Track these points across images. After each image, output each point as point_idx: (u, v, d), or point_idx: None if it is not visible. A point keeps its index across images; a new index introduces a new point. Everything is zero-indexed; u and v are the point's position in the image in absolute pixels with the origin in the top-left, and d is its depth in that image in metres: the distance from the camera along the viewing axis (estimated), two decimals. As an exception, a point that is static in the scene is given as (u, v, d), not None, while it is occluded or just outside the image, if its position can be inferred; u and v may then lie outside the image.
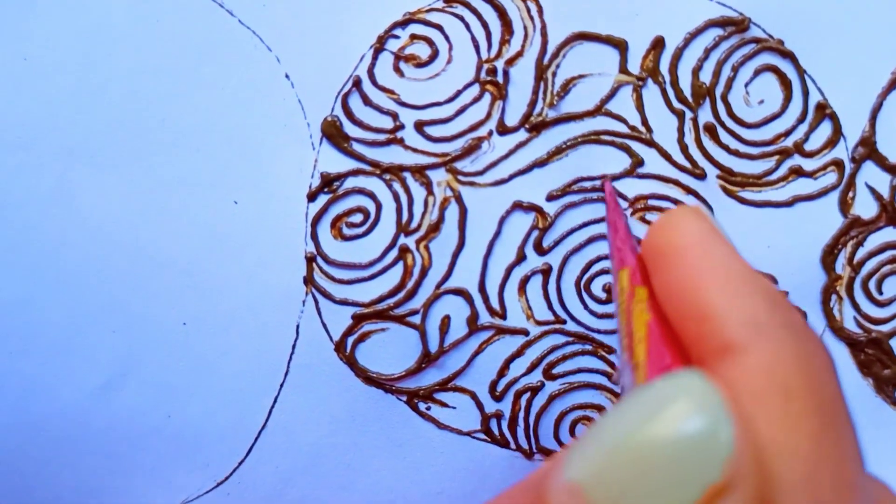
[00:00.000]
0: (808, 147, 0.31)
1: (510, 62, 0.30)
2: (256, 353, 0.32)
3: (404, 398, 0.33)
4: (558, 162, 0.31)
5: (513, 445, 0.33)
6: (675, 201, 0.32)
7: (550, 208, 0.31)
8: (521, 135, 0.31)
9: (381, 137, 0.31)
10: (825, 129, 0.31)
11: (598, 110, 0.31)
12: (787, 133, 0.31)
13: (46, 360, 0.32)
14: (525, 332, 0.32)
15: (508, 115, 0.31)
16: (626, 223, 0.27)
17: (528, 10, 0.30)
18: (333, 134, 0.31)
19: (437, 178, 0.31)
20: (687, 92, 0.31)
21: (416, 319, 0.32)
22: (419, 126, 0.31)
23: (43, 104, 0.30)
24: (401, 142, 0.31)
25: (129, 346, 0.32)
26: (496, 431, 0.33)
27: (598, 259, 0.32)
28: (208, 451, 0.33)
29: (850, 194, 0.32)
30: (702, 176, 0.31)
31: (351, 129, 0.31)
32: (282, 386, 0.33)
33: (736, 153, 0.31)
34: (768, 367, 0.16)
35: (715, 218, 0.19)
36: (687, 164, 0.31)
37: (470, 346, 0.32)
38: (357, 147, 0.31)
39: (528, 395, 0.33)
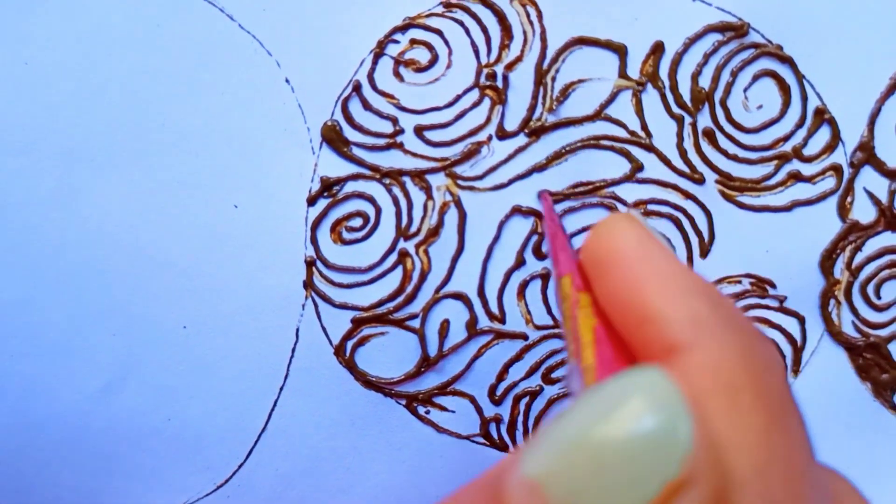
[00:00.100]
0: (807, 152, 0.31)
1: (510, 67, 0.30)
2: (256, 356, 0.32)
3: (403, 402, 0.33)
4: (558, 167, 0.31)
5: (512, 449, 0.33)
6: (675, 206, 0.32)
7: (550, 213, 0.31)
8: (521, 139, 0.31)
9: (381, 142, 0.31)
10: (824, 134, 0.31)
11: (598, 115, 0.31)
12: (786, 138, 0.31)
13: (47, 362, 0.32)
14: (524, 337, 0.32)
15: (508, 120, 0.31)
16: (563, 231, 0.27)
17: (528, 15, 0.30)
18: (333, 138, 0.31)
19: (436, 183, 0.31)
20: (686, 97, 0.31)
21: (416, 323, 0.32)
22: (419, 131, 0.31)
23: (44, 107, 0.30)
24: (400, 146, 0.31)
25: (129, 349, 0.32)
26: (495, 435, 0.33)
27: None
28: (208, 454, 0.33)
29: (849, 199, 0.32)
30: (701, 181, 0.31)
31: (351, 134, 0.31)
32: (281, 389, 0.33)
33: (735, 158, 0.31)
34: (713, 364, 0.16)
35: (648, 223, 0.19)
36: (686, 169, 0.31)
37: (469, 350, 0.32)
38: (357, 151, 0.31)
39: (527, 399, 0.33)
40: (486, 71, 0.30)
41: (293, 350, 0.32)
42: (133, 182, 0.31)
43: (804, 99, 0.31)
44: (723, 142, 0.31)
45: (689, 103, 0.31)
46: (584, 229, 0.32)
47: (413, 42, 0.30)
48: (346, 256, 0.32)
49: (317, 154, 0.31)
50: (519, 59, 0.30)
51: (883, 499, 0.33)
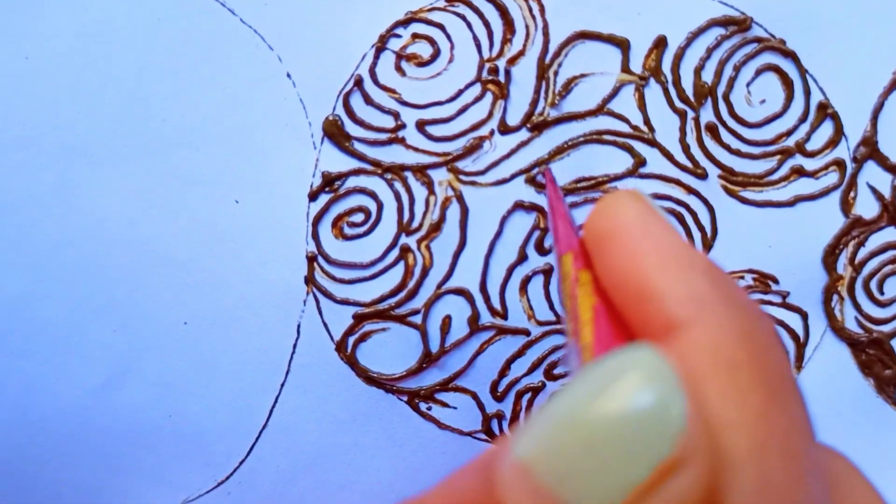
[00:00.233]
0: (810, 147, 0.31)
1: (512, 61, 0.30)
2: (257, 352, 0.32)
3: (405, 398, 0.33)
4: (560, 161, 0.31)
5: (514, 445, 0.33)
6: (678, 201, 0.31)
7: (552, 208, 0.31)
8: (523, 134, 0.31)
9: (383, 137, 0.31)
10: (827, 129, 0.31)
11: (600, 110, 0.31)
12: (789, 133, 0.31)
13: (47, 358, 0.32)
14: (526, 333, 0.32)
15: (510, 115, 0.31)
16: (566, 209, 0.27)
17: (530, 9, 0.30)
18: (335, 133, 0.31)
19: (438, 178, 0.31)
20: (689, 91, 0.31)
21: (418, 319, 0.32)
22: (421, 125, 0.31)
23: (44, 103, 0.30)
24: (402, 141, 0.31)
25: (129, 345, 0.32)
26: (497, 432, 0.33)
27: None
28: (209, 451, 0.33)
29: (852, 194, 0.32)
30: (703, 176, 0.31)
31: (352, 129, 0.31)
32: (283, 385, 0.32)
33: (737, 153, 0.31)
34: (712, 341, 0.16)
35: (651, 199, 0.19)
36: (689, 164, 0.31)
37: (471, 346, 0.32)
38: (358, 146, 0.31)
39: (529, 395, 0.33)
40: (488, 65, 0.30)
41: (294, 346, 0.32)
42: (134, 177, 0.31)
43: (807, 94, 0.31)
44: (726, 136, 0.31)
45: (691, 98, 0.31)
46: (586, 224, 0.32)
47: (415, 36, 0.30)
48: (347, 252, 0.32)
49: (318, 149, 0.31)
50: (521, 53, 0.30)
51: (886, 494, 0.33)
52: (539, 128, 0.31)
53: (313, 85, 0.30)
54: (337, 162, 0.31)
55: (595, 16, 0.30)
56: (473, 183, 0.31)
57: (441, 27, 0.30)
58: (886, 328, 0.33)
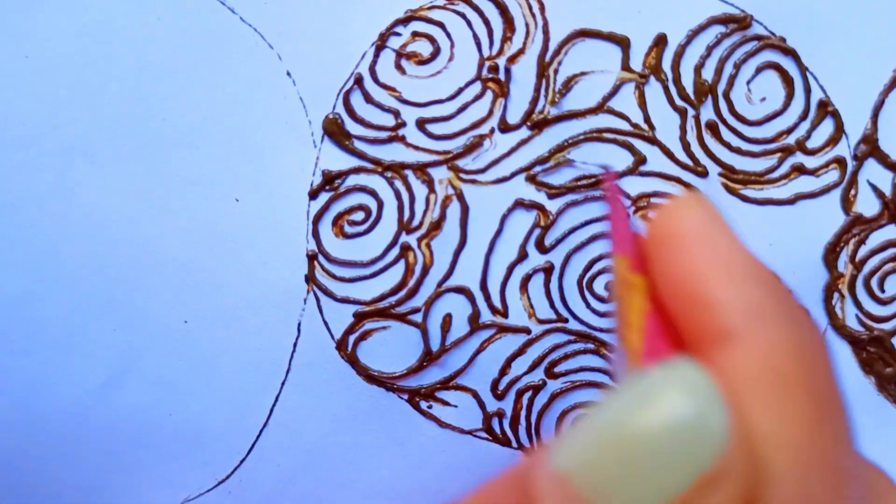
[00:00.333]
0: (810, 145, 0.31)
1: (512, 59, 0.30)
2: (257, 351, 0.32)
3: (406, 397, 0.33)
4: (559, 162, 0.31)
5: (514, 444, 0.33)
6: (677, 199, 0.31)
7: (552, 206, 0.31)
8: (523, 132, 0.31)
9: (383, 135, 0.31)
10: (827, 127, 0.31)
11: (601, 108, 0.31)
12: (789, 131, 0.31)
13: (47, 357, 0.32)
14: (527, 331, 0.32)
15: (510, 113, 0.31)
16: (625, 211, 0.27)
17: (530, 8, 0.30)
18: (335, 131, 0.31)
19: (438, 176, 0.31)
20: (689, 89, 0.31)
21: (418, 318, 0.32)
22: (421, 123, 0.31)
23: (44, 102, 0.30)
24: (402, 139, 0.31)
25: (129, 344, 0.32)
26: (498, 430, 0.33)
27: (601, 257, 0.32)
28: (209, 450, 0.33)
29: (853, 192, 0.32)
30: (704, 174, 0.31)
31: (352, 127, 0.31)
32: (283, 384, 0.32)
33: (738, 151, 0.31)
34: (764, 354, 0.16)
35: (718, 205, 0.19)
36: (689, 162, 0.31)
37: (471, 344, 0.32)
38: (359, 145, 0.31)
39: (529, 393, 0.33)
40: (488, 63, 0.30)
41: (295, 345, 0.32)
42: (134, 176, 0.31)
43: (807, 91, 0.31)
44: (726, 134, 0.31)
45: (692, 96, 0.31)
46: (587, 222, 0.31)
47: (415, 34, 0.30)
48: (347, 250, 0.32)
49: (318, 147, 0.31)
50: (521, 51, 0.30)
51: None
52: (539, 126, 0.31)
53: (313, 83, 0.30)
54: (337, 160, 0.31)
55: (595, 14, 0.30)
56: (474, 181, 0.31)
57: (441, 25, 0.30)
58: (887, 326, 0.33)
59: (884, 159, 0.31)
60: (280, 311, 0.32)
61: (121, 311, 0.32)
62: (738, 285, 0.17)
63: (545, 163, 0.31)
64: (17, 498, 0.33)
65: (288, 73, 0.30)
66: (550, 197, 0.31)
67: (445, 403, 0.33)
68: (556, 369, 0.33)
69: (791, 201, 0.32)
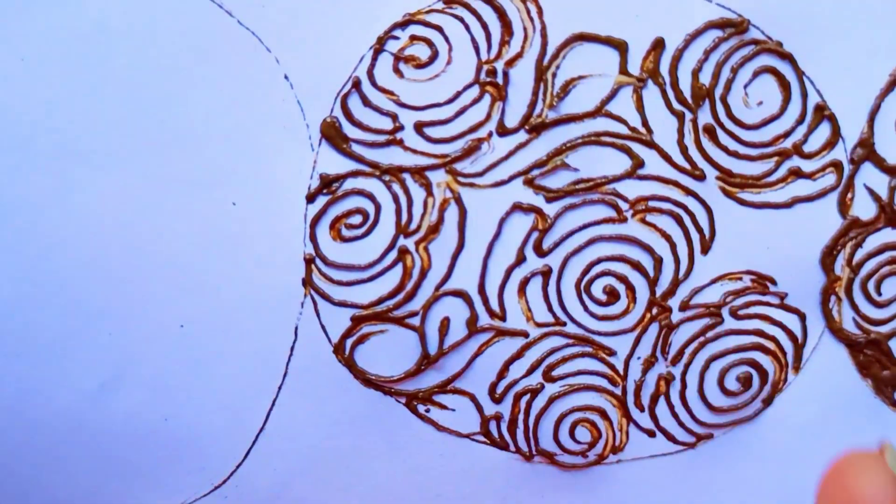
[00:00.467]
0: (807, 148, 0.32)
1: (510, 63, 0.30)
2: (255, 354, 0.32)
3: (403, 400, 0.33)
4: (557, 167, 0.31)
5: (512, 448, 0.33)
6: (676, 202, 0.32)
7: (550, 210, 0.31)
8: (521, 136, 0.31)
9: (381, 138, 0.31)
10: (824, 131, 0.31)
11: (599, 111, 0.31)
12: (786, 134, 0.31)
13: (43, 361, 0.32)
14: (525, 334, 0.32)
15: (508, 117, 0.31)
16: None
17: (528, 12, 0.30)
18: (333, 135, 0.31)
19: (436, 180, 0.31)
20: (687, 93, 0.31)
21: (416, 321, 0.32)
22: (419, 127, 0.31)
23: (40, 104, 0.30)
24: (400, 143, 0.31)
25: (125, 348, 0.32)
26: (495, 433, 0.33)
27: (599, 261, 0.32)
28: (206, 454, 0.33)
29: (849, 195, 0.32)
30: (701, 177, 0.31)
31: (350, 131, 0.31)
32: (280, 388, 0.32)
33: (735, 154, 0.31)
34: None
35: (893, 463, 0.18)
36: (687, 166, 0.31)
37: (469, 347, 0.32)
38: (356, 148, 0.31)
39: (527, 397, 0.33)
40: (486, 67, 0.30)
41: (292, 348, 0.32)
42: (131, 179, 0.31)
43: (804, 95, 0.31)
44: (723, 138, 0.31)
45: (689, 100, 0.31)
46: (584, 226, 0.32)
47: (413, 38, 0.30)
48: (345, 254, 0.32)
49: (316, 151, 0.31)
50: (519, 55, 0.30)
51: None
52: (537, 129, 0.31)
53: (311, 87, 0.30)
54: (335, 164, 0.31)
55: (593, 18, 0.30)
56: (472, 185, 0.31)
57: (439, 29, 0.30)
58: (884, 329, 0.33)
59: (880, 163, 0.32)
60: (277, 314, 0.32)
61: (117, 315, 0.32)
62: None
63: (543, 166, 0.31)
64: (14, 502, 0.33)
65: (286, 77, 0.30)
66: (548, 200, 0.31)
67: (443, 407, 0.33)
68: (554, 373, 0.33)
69: (788, 205, 0.32)
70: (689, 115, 0.31)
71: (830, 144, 0.31)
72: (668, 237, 0.32)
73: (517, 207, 0.31)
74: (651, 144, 0.31)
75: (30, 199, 0.31)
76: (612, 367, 0.33)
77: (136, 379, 0.32)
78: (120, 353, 0.32)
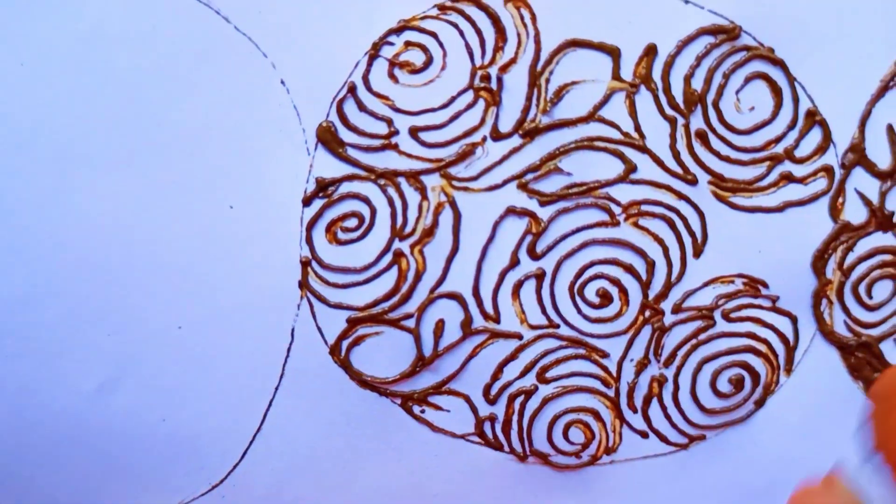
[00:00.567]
0: (799, 153, 0.32)
1: (504, 69, 0.31)
2: (251, 356, 0.32)
3: (399, 401, 0.33)
4: (552, 171, 0.31)
5: (506, 448, 0.34)
6: (668, 206, 0.32)
7: (544, 213, 0.32)
8: (515, 141, 0.31)
9: (376, 143, 0.31)
10: (815, 136, 0.32)
11: (592, 116, 0.31)
12: (778, 139, 0.32)
13: (42, 362, 0.32)
14: (519, 336, 0.33)
15: (502, 122, 0.31)
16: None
17: (522, 18, 0.30)
18: (328, 139, 0.31)
19: (431, 184, 0.31)
20: (679, 99, 0.31)
21: (411, 323, 0.32)
22: (414, 132, 0.31)
23: (40, 109, 0.30)
24: (395, 147, 0.31)
25: (124, 349, 0.32)
26: (490, 434, 0.33)
27: (592, 264, 0.32)
28: (203, 454, 0.33)
29: (840, 200, 0.32)
30: (693, 182, 0.32)
31: (346, 135, 0.31)
32: (277, 389, 0.33)
33: (727, 159, 0.32)
34: None
35: None
36: (679, 170, 0.32)
37: (464, 349, 0.33)
38: (352, 152, 0.31)
39: (521, 398, 0.33)
40: (480, 73, 0.31)
41: (288, 350, 0.32)
42: (129, 183, 0.31)
43: (795, 101, 0.31)
44: (715, 143, 0.31)
45: (682, 105, 0.31)
46: (577, 230, 0.32)
47: (408, 44, 0.30)
48: (341, 256, 0.32)
49: (312, 155, 0.31)
50: (513, 61, 0.31)
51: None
52: (531, 134, 0.31)
53: (307, 92, 0.31)
54: (331, 168, 0.31)
55: (586, 24, 0.30)
56: (466, 188, 0.31)
57: (434, 35, 0.30)
58: (875, 332, 0.33)
59: (871, 168, 0.32)
60: (274, 316, 0.32)
61: (115, 317, 0.32)
62: None
63: (537, 170, 0.31)
64: (12, 502, 0.33)
65: (282, 82, 0.31)
66: (542, 204, 0.32)
67: (438, 408, 0.33)
68: (548, 374, 0.33)
69: (780, 209, 0.32)
70: (681, 121, 0.31)
71: (822, 149, 0.32)
72: (660, 241, 0.32)
73: (511, 211, 0.31)
74: (644, 149, 0.31)
75: (29, 201, 0.31)
76: (605, 368, 0.33)
77: (135, 380, 0.32)
78: (118, 355, 0.32)
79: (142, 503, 0.33)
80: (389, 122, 0.31)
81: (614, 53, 0.30)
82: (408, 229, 0.32)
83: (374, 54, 0.30)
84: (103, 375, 0.32)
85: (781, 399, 0.34)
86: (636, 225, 0.32)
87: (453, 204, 0.31)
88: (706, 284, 0.32)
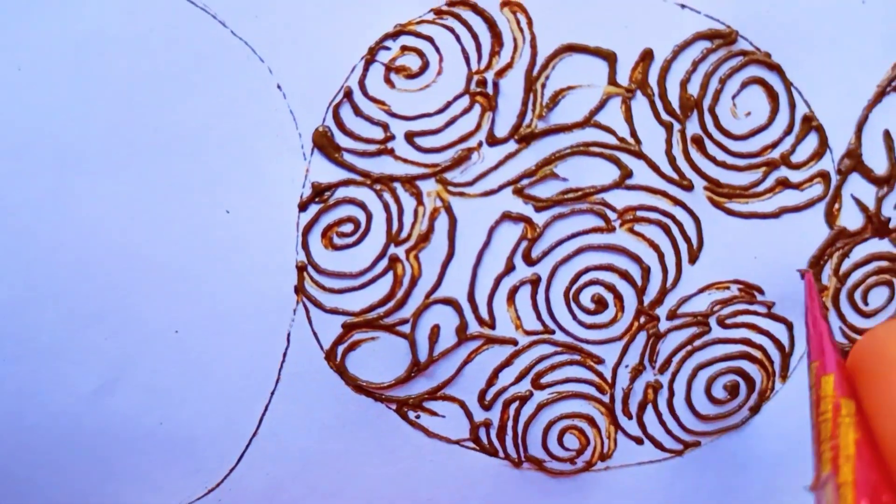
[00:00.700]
0: (795, 159, 0.32)
1: (500, 74, 0.31)
2: (248, 360, 0.32)
3: (394, 407, 0.33)
4: (547, 176, 0.31)
5: (501, 454, 0.34)
6: (664, 212, 0.32)
7: (539, 219, 0.32)
8: (511, 146, 0.31)
9: (372, 148, 0.31)
10: (811, 142, 0.32)
11: (587, 122, 0.31)
12: (774, 145, 0.31)
13: (39, 365, 0.32)
14: (514, 342, 0.33)
15: (498, 126, 0.31)
16: (828, 324, 0.25)
17: (518, 22, 0.30)
18: (324, 144, 0.31)
19: (426, 189, 0.31)
20: (675, 104, 0.31)
21: (406, 329, 0.32)
22: (409, 137, 0.31)
23: (37, 112, 0.30)
24: (391, 152, 0.31)
25: (121, 352, 0.32)
26: (485, 440, 0.33)
27: (587, 270, 0.32)
28: (200, 458, 0.33)
29: (836, 206, 0.32)
30: (689, 187, 0.32)
31: (342, 140, 0.31)
32: (273, 393, 0.33)
33: (723, 165, 0.32)
34: None
35: None
36: (675, 176, 0.31)
37: (459, 355, 0.33)
38: (348, 157, 0.31)
39: (516, 404, 0.33)
40: (476, 77, 0.31)
41: (284, 354, 0.32)
42: (126, 186, 0.31)
43: (792, 106, 0.31)
44: (711, 148, 0.31)
45: (677, 110, 0.31)
46: (572, 235, 0.32)
47: (404, 49, 0.30)
48: (337, 262, 0.32)
49: (308, 160, 0.31)
50: (509, 65, 0.31)
51: None
52: (527, 139, 0.31)
53: (303, 96, 0.31)
54: (326, 172, 0.31)
55: (582, 29, 0.30)
56: (462, 194, 0.31)
57: (430, 40, 0.30)
58: (871, 338, 0.33)
59: (867, 174, 0.32)
60: (270, 321, 0.32)
61: (112, 320, 0.32)
62: None
63: (532, 175, 0.31)
64: (8, 503, 0.33)
65: (278, 86, 0.31)
66: (537, 210, 0.32)
67: (433, 413, 0.33)
68: (543, 380, 0.33)
69: (776, 215, 0.32)
70: (677, 126, 0.31)
71: (818, 155, 0.32)
72: (655, 247, 0.32)
73: (506, 216, 0.31)
74: (639, 155, 0.31)
75: (26, 204, 0.31)
76: (600, 374, 0.33)
77: (132, 383, 0.32)
78: (115, 358, 0.32)
79: (137, 507, 0.33)
80: (385, 126, 0.31)
81: (610, 58, 0.30)
82: (403, 234, 0.32)
83: (370, 59, 0.30)
84: (100, 378, 0.32)
85: (777, 405, 0.33)
86: (632, 231, 0.32)
87: (449, 209, 0.31)
88: (702, 290, 0.32)
